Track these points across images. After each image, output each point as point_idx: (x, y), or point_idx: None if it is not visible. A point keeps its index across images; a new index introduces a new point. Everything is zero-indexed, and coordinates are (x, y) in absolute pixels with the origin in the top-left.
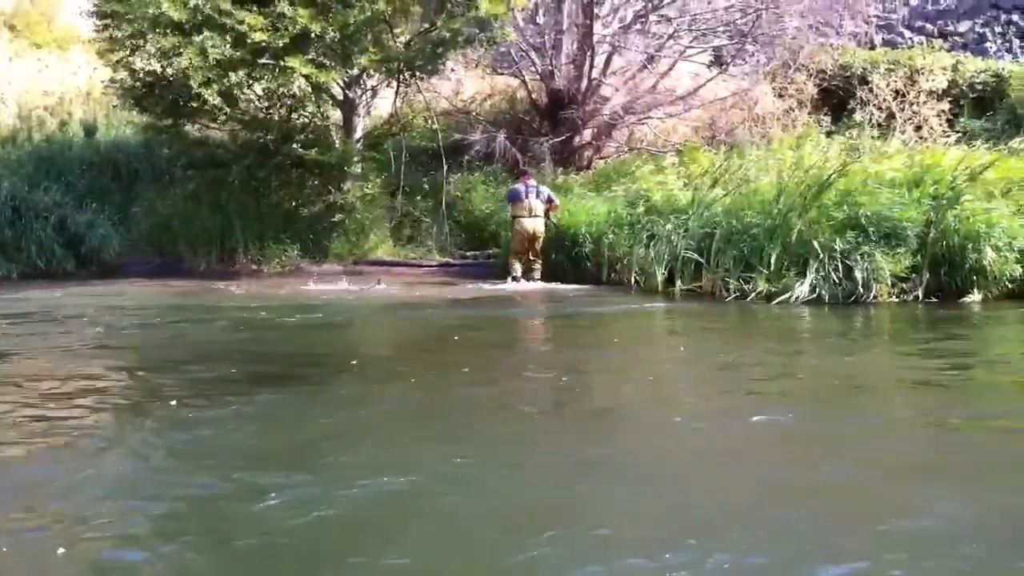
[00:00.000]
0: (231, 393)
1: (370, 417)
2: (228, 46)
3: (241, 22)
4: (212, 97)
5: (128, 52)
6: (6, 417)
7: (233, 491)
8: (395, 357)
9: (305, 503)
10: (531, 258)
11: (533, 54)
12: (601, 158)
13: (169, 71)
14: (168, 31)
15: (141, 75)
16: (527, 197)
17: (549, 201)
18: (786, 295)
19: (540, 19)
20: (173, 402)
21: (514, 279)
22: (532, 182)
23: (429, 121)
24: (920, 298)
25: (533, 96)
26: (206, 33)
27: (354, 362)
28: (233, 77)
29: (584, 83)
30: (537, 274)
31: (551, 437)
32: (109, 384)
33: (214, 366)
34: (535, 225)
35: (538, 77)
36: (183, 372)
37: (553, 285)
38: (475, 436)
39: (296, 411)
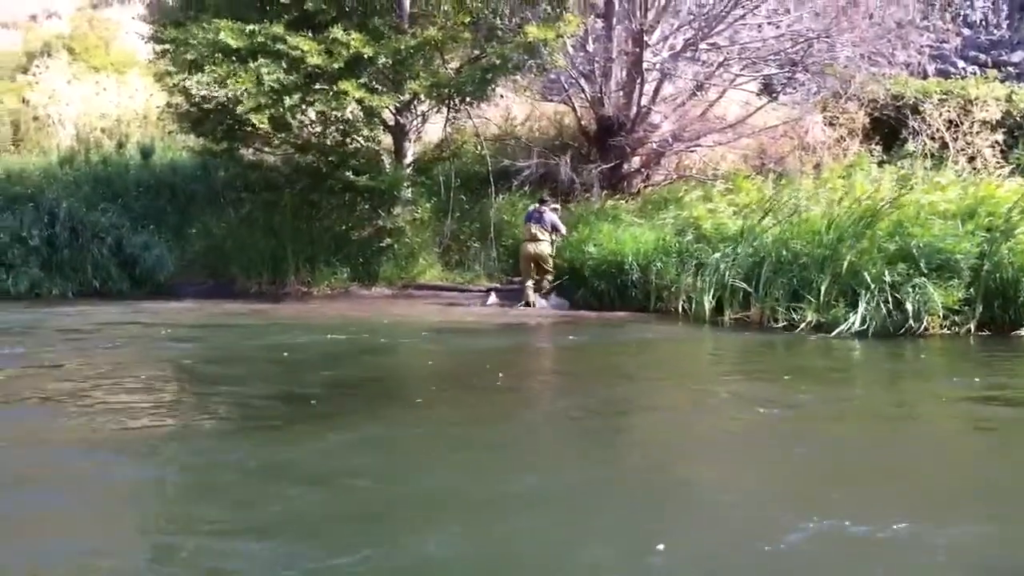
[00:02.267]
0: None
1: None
2: (283, 72)
3: (296, 47)
4: (261, 123)
5: (184, 77)
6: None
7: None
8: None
9: None
10: (536, 277)
11: (582, 81)
12: (649, 185)
13: (223, 97)
14: (225, 57)
15: (197, 100)
16: (528, 222)
17: (553, 228)
18: (835, 326)
19: (590, 46)
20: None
21: (525, 304)
22: (543, 208)
23: (478, 147)
24: (972, 331)
25: (582, 122)
26: (261, 60)
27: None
28: (288, 101)
29: (633, 110)
30: (544, 290)
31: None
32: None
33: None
34: (535, 249)
35: (587, 104)
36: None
37: (587, 312)
38: None
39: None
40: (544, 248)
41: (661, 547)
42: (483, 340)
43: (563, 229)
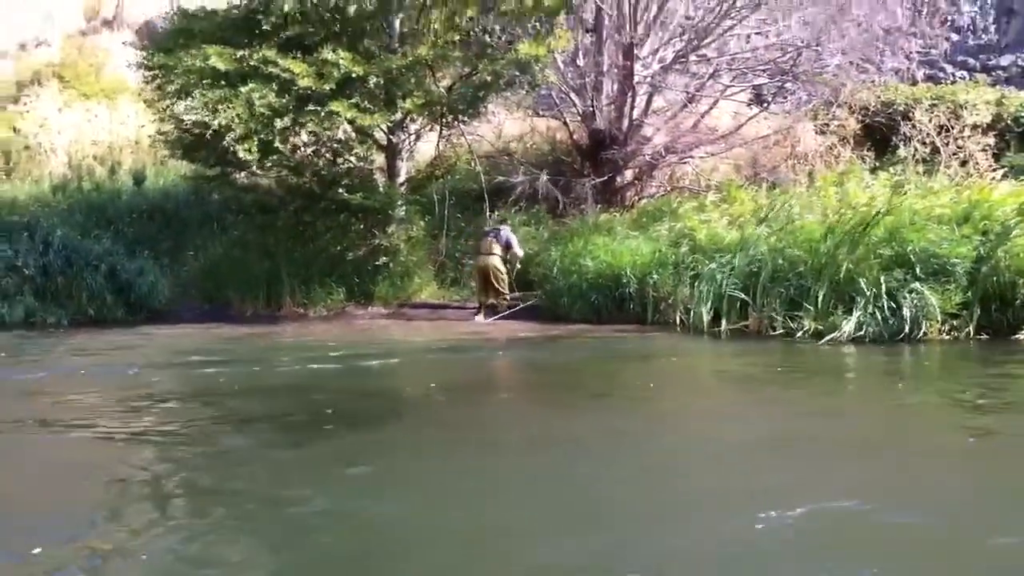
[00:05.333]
0: None
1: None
2: (274, 94)
3: (286, 70)
4: (248, 153)
5: (174, 103)
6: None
7: None
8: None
9: None
10: (488, 294)
11: (574, 96)
12: (643, 197)
13: (215, 125)
14: (215, 83)
15: (188, 126)
16: (484, 238)
17: (507, 245)
18: (834, 333)
19: (580, 61)
20: None
21: (477, 315)
22: (500, 227)
23: (471, 164)
24: (971, 335)
25: (575, 137)
26: (251, 84)
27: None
28: (279, 123)
29: (625, 123)
30: (498, 308)
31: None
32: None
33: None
34: (484, 262)
35: (579, 118)
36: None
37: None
38: None
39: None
40: (494, 261)
41: None
42: (484, 357)
43: (517, 248)
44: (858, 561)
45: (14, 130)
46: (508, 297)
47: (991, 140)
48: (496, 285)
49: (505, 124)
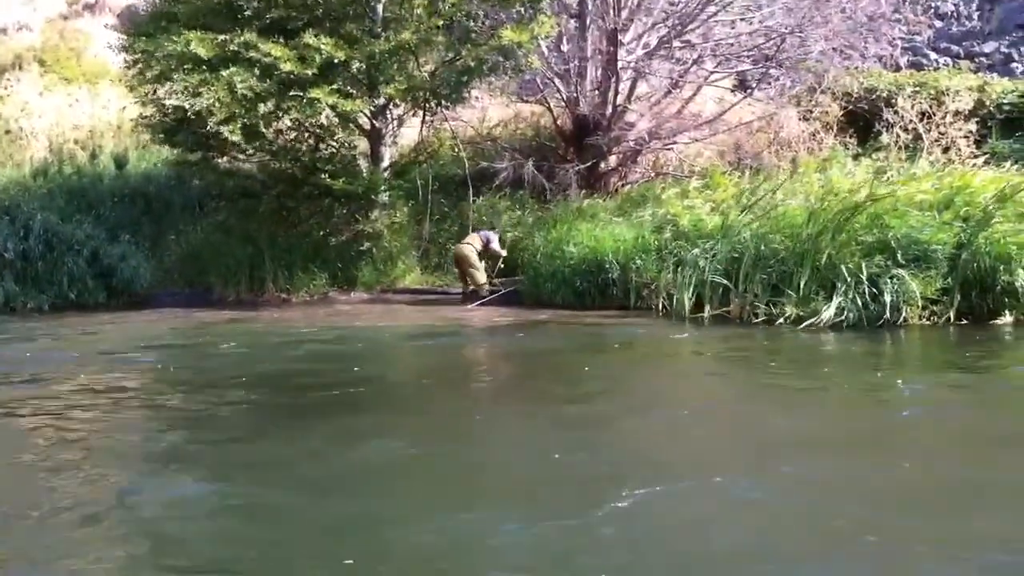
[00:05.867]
0: None
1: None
2: (255, 79)
3: (268, 54)
4: (232, 135)
5: (156, 88)
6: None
7: None
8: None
9: None
10: (466, 282)
11: (558, 81)
12: (627, 183)
13: (195, 107)
14: (195, 67)
15: (170, 110)
16: (470, 232)
17: (487, 241)
18: (814, 319)
19: (564, 47)
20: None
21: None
22: (490, 232)
23: (455, 149)
24: (951, 320)
25: (558, 123)
26: (233, 68)
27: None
28: (262, 108)
29: (609, 109)
30: (480, 294)
31: None
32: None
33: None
34: (457, 250)
35: (563, 104)
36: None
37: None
38: None
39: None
40: (466, 250)
41: None
42: (467, 342)
43: (497, 246)
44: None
45: None
46: (485, 285)
47: (973, 127)
48: (469, 272)
49: (489, 109)
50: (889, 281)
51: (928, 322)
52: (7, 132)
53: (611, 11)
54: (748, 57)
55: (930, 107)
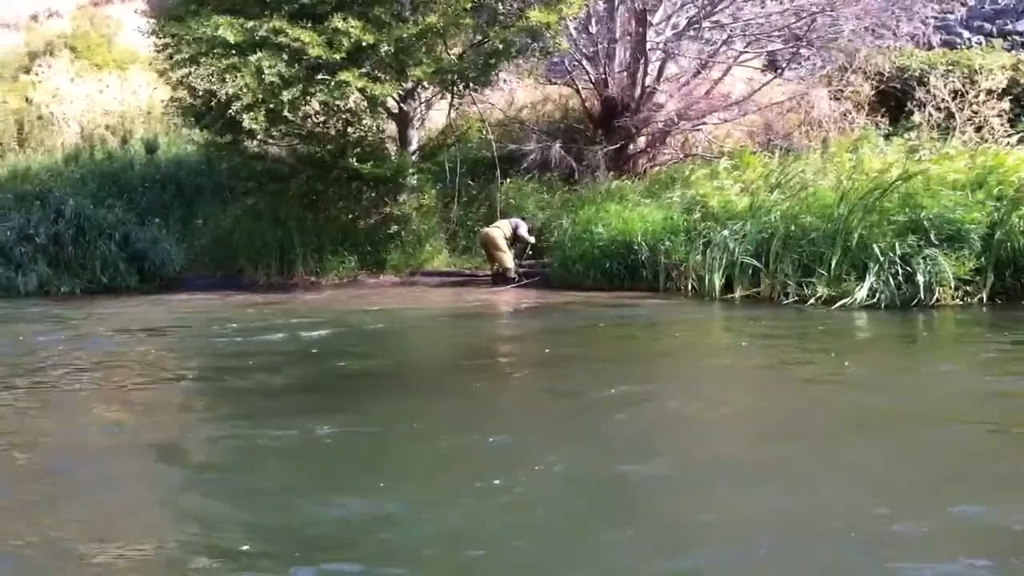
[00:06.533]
0: None
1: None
2: (283, 64)
3: (296, 39)
4: (254, 123)
5: (187, 73)
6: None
7: None
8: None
9: None
10: (493, 265)
11: (586, 63)
12: (655, 165)
13: (221, 93)
14: (225, 52)
15: (200, 94)
16: (501, 217)
17: (516, 227)
18: (846, 299)
19: (593, 28)
20: None
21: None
22: (519, 217)
23: (483, 132)
24: (984, 301)
25: (587, 105)
26: (261, 53)
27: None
28: (286, 95)
29: (638, 91)
30: (507, 277)
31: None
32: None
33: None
34: (483, 233)
35: (591, 86)
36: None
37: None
38: None
39: None
40: (493, 234)
41: None
42: (498, 324)
43: (525, 233)
44: None
45: (27, 100)
46: (511, 268)
47: (1006, 105)
48: (496, 255)
49: (517, 92)
50: (922, 261)
51: (961, 303)
52: (39, 118)
53: None
54: (778, 37)
55: (963, 86)
